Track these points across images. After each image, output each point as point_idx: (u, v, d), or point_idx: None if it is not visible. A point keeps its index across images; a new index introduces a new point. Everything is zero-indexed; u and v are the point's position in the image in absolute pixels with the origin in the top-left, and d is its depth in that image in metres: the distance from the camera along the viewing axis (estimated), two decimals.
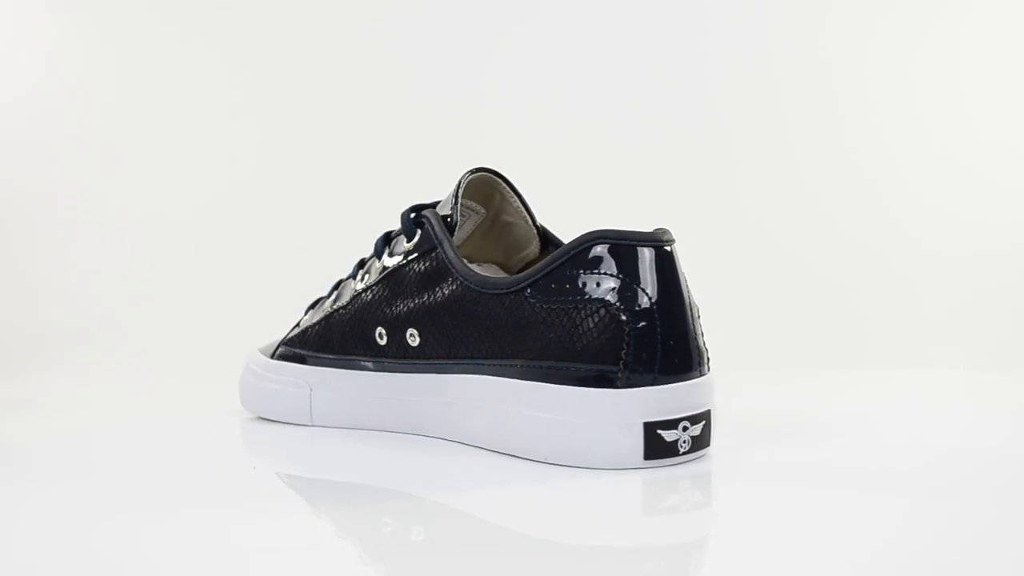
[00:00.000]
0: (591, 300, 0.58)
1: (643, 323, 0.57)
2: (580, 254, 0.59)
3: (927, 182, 1.03)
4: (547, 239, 0.70)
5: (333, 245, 0.86)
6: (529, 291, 0.60)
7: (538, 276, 0.60)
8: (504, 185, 0.69)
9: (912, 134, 1.04)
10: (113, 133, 1.04)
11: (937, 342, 0.93)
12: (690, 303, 0.59)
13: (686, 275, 0.60)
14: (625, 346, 0.57)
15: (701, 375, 0.59)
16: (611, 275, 0.58)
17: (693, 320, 0.59)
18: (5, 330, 0.95)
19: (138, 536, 0.51)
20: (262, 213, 1.02)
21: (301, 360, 0.71)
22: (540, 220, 0.70)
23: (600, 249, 0.59)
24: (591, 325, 0.58)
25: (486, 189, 0.69)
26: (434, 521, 0.54)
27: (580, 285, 0.59)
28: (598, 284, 0.58)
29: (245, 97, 1.05)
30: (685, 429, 0.58)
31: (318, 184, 1.03)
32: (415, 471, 0.61)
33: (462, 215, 0.69)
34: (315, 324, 0.71)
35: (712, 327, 0.72)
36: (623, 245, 0.59)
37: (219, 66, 1.05)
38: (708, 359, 0.60)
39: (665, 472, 0.58)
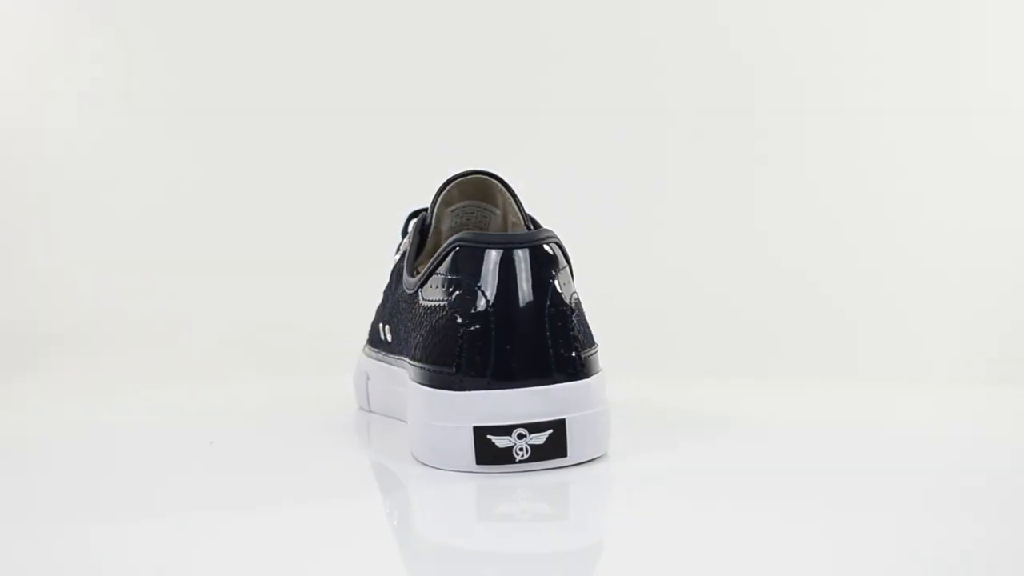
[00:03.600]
0: (441, 303, 0.59)
1: (477, 326, 0.57)
2: (444, 257, 0.60)
3: (925, 182, 0.95)
4: None
5: (331, 248, 0.90)
6: (420, 294, 0.62)
7: (423, 279, 0.62)
8: (500, 186, 0.69)
9: (912, 134, 0.97)
10: (113, 130, 1.06)
11: (932, 350, 0.85)
12: (548, 306, 0.57)
13: (556, 277, 0.58)
14: (458, 349, 0.57)
15: (554, 382, 0.57)
16: (459, 278, 0.58)
17: (549, 325, 0.57)
18: (5, 330, 0.98)
19: (136, 536, 0.52)
20: (263, 214, 1.04)
21: (368, 353, 0.76)
22: (545, 222, 0.70)
23: (457, 252, 0.59)
24: (440, 328, 0.59)
25: (489, 190, 0.70)
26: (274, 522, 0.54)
27: (441, 288, 0.60)
28: (449, 287, 0.59)
29: (245, 98, 1.07)
30: (521, 437, 0.57)
31: (323, 187, 1.05)
32: (342, 467, 0.64)
33: (483, 216, 0.71)
34: (373, 319, 0.75)
35: (699, 329, 0.71)
36: (474, 248, 0.58)
37: (211, 62, 1.07)
38: (580, 366, 0.58)
39: (529, 478, 0.57)
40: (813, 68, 1.02)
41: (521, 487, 0.56)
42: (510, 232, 0.62)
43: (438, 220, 0.69)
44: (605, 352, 0.67)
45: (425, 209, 0.71)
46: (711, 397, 0.78)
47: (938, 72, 0.99)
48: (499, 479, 0.57)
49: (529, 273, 0.57)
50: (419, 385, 0.60)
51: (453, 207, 0.69)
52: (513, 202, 0.69)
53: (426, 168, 0.73)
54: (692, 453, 0.63)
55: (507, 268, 0.57)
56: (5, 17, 1.09)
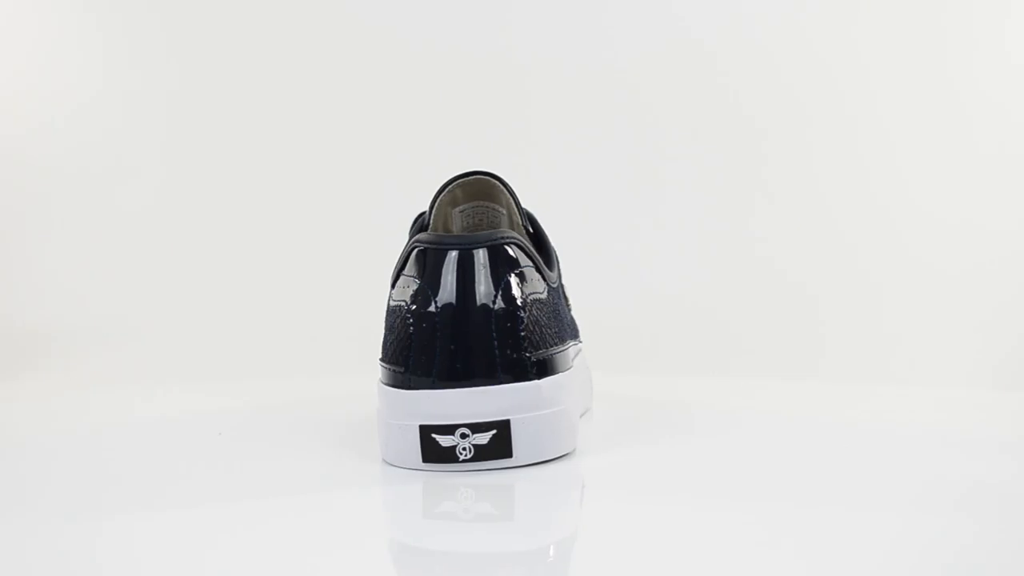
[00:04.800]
0: (400, 303, 0.60)
1: (425, 326, 0.58)
2: (406, 258, 0.61)
3: (925, 182, 0.96)
4: (538, 239, 0.70)
5: (334, 248, 0.92)
6: (391, 295, 0.62)
7: (393, 280, 0.62)
8: (500, 185, 0.69)
9: (912, 134, 0.97)
10: (113, 130, 1.07)
11: (931, 350, 0.85)
12: (496, 307, 0.58)
13: (512, 278, 0.58)
14: (407, 349, 0.58)
15: (500, 383, 0.57)
16: (414, 278, 0.59)
17: (496, 326, 0.57)
18: (5, 330, 0.99)
19: (134, 536, 0.53)
20: (264, 214, 1.06)
21: None
22: (545, 221, 0.71)
23: (414, 253, 0.60)
24: (395, 327, 0.60)
25: (491, 190, 0.70)
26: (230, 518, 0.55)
27: (403, 288, 0.60)
28: (406, 287, 0.60)
29: (246, 98, 1.07)
30: (464, 436, 0.58)
31: (328, 187, 1.06)
32: (319, 467, 0.64)
33: (494, 215, 0.70)
34: None
35: (700, 329, 0.73)
36: (430, 249, 0.59)
37: (212, 62, 1.08)
38: (531, 366, 0.58)
39: (479, 477, 0.58)
40: (812, 67, 1.03)
41: (464, 487, 0.57)
42: (467, 233, 0.62)
43: (445, 221, 0.68)
44: (601, 351, 0.69)
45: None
46: (710, 398, 0.78)
47: (938, 72, 1.00)
48: (445, 478, 0.58)
49: (483, 274, 0.58)
50: (380, 384, 0.61)
51: (461, 208, 0.69)
52: (512, 201, 0.69)
53: (431, 168, 0.74)
54: (664, 453, 0.63)
55: (461, 269, 0.58)
56: (5, 17, 1.10)
